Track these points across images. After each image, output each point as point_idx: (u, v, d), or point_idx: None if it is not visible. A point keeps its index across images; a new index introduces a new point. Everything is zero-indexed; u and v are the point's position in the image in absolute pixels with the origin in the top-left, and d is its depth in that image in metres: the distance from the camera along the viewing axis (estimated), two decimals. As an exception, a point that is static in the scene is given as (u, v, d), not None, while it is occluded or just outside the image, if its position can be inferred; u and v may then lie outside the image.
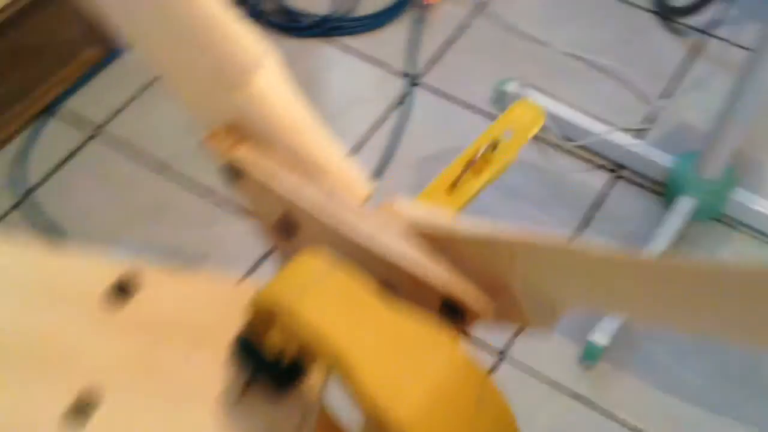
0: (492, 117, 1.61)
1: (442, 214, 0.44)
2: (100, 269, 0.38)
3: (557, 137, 1.55)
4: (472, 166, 0.53)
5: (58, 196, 1.50)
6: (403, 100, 1.63)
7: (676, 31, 1.74)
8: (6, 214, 1.48)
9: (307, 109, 0.44)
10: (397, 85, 1.66)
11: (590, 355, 1.31)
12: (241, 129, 0.44)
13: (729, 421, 1.28)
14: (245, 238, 1.32)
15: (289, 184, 0.41)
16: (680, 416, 1.28)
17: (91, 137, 1.58)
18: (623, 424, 1.28)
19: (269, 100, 0.43)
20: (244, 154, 0.43)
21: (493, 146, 0.55)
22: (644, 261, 0.28)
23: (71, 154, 1.56)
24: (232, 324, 0.36)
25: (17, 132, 1.57)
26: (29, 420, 0.35)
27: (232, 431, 0.34)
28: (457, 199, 0.51)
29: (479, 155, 0.54)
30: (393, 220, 0.39)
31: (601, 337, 1.31)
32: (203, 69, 0.42)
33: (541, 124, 0.56)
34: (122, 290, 0.38)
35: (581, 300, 0.34)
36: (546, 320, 0.37)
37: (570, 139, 1.55)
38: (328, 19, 1.73)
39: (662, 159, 1.49)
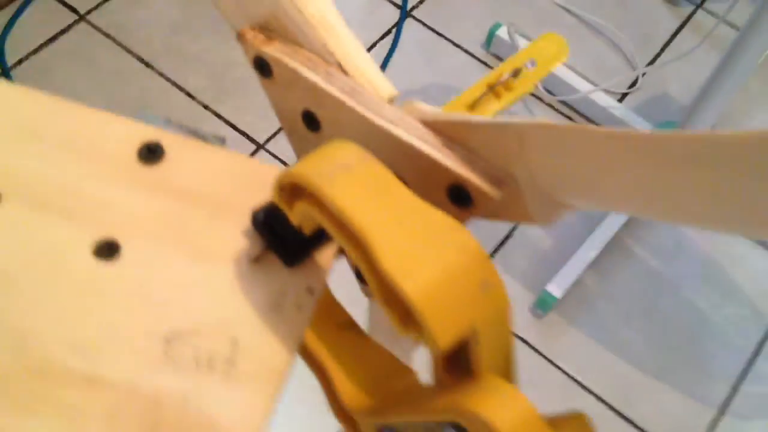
0: (479, 59, 1.61)
1: (458, 114, 0.45)
2: (129, 130, 0.39)
3: (540, 89, 1.56)
4: (492, 89, 0.54)
5: (37, 77, 1.47)
6: (393, 30, 1.62)
7: (672, 0, 1.75)
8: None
9: (335, 12, 0.44)
10: (390, 14, 1.65)
11: (543, 304, 1.34)
12: (272, 27, 0.44)
13: (662, 385, 1.34)
14: (231, 144, 1.31)
15: (317, 75, 0.42)
16: (618, 374, 1.33)
17: (77, 21, 1.54)
18: (564, 372, 1.32)
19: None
20: (275, 48, 0.43)
21: (516, 73, 0.55)
22: (644, 134, 0.29)
23: (55, 36, 1.52)
24: (253, 198, 0.38)
25: (1, 6, 1.53)
26: (59, 253, 0.36)
27: (244, 289, 0.37)
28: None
29: (502, 80, 0.55)
30: (412, 113, 0.40)
31: (555, 288, 1.34)
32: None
33: (564, 58, 0.57)
34: (151, 152, 0.39)
35: (585, 192, 0.35)
36: (546, 216, 0.38)
37: (552, 93, 1.56)
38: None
39: (640, 125, 1.52)
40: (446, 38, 1.63)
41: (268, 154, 1.44)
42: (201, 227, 0.37)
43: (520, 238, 1.43)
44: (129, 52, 1.51)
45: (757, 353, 1.38)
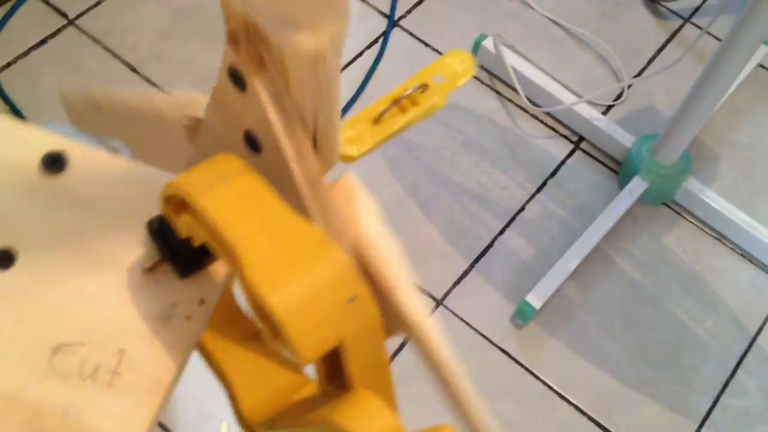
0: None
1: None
2: (34, 138, 0.40)
3: (525, 100, 1.56)
4: (397, 103, 0.55)
5: (24, 80, 1.48)
6: (379, 39, 1.63)
7: (659, 14, 1.75)
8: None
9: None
10: (378, 24, 1.66)
11: (522, 314, 1.35)
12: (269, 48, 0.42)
13: (643, 397, 1.34)
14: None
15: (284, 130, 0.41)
16: (597, 385, 1.33)
17: (66, 25, 1.56)
18: (543, 383, 1.32)
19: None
20: (264, 80, 0.41)
21: (423, 89, 0.56)
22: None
23: (43, 40, 1.54)
24: (151, 207, 0.38)
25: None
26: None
27: (135, 300, 0.37)
28: (380, 132, 0.52)
29: (406, 94, 0.56)
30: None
31: (534, 298, 1.34)
32: None
33: (470, 75, 0.58)
34: (54, 162, 0.40)
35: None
36: None
37: (537, 104, 1.57)
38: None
39: (622, 137, 1.52)
40: (433, 48, 1.64)
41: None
42: (98, 237, 0.38)
43: (501, 248, 1.43)
44: (116, 57, 1.53)
45: (738, 366, 1.38)
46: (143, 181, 0.40)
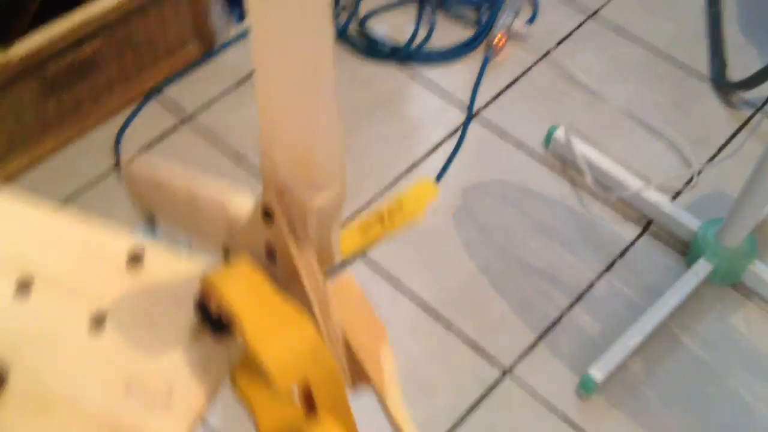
0: (538, 157, 1.74)
1: None
2: (118, 239, 0.64)
3: (596, 187, 1.66)
4: (378, 220, 0.70)
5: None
6: (458, 131, 1.78)
7: (729, 103, 1.83)
8: (107, 175, 1.68)
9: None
10: (456, 116, 1.80)
11: (585, 387, 1.42)
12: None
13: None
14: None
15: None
16: (659, 458, 1.38)
17: (182, 122, 1.77)
18: (604, 454, 1.38)
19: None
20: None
21: (400, 207, 0.70)
22: None
23: (162, 136, 1.75)
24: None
25: (121, 109, 1.78)
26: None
27: (189, 351, 0.60)
28: (367, 240, 0.68)
29: (385, 211, 0.70)
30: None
31: (597, 372, 1.42)
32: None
33: (434, 198, 0.73)
34: (135, 259, 0.64)
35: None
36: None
37: (608, 190, 1.67)
38: (405, 48, 1.90)
39: (689, 221, 1.59)
40: (508, 137, 1.77)
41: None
42: (165, 314, 0.62)
43: (568, 323, 1.51)
44: (222, 152, 1.72)
45: (804, 447, 1.40)
46: (194, 273, 0.62)
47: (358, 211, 1.64)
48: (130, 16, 1.67)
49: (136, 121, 1.77)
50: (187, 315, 0.61)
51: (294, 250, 0.57)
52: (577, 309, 1.54)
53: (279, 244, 0.57)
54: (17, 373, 0.57)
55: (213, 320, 0.58)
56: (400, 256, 1.59)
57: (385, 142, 1.76)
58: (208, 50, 1.87)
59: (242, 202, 0.60)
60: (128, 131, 1.75)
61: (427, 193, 0.71)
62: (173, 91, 1.82)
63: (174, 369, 0.58)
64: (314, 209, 0.55)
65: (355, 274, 1.54)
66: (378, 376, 0.63)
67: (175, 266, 0.64)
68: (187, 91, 1.83)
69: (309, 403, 0.55)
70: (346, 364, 0.63)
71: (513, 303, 1.54)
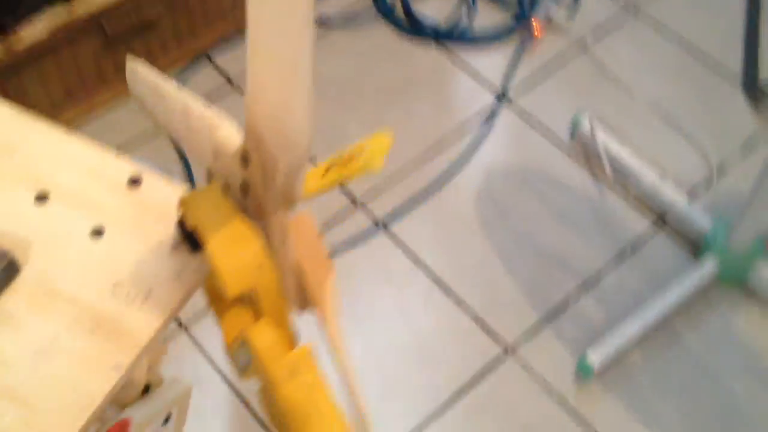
0: (563, 145, 1.79)
1: None
2: (122, 164, 0.81)
3: (615, 178, 1.71)
4: (338, 164, 0.78)
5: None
6: (489, 114, 1.83)
7: (756, 107, 1.85)
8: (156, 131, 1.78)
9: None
10: (488, 100, 1.86)
11: (582, 369, 1.49)
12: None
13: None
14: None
15: None
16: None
17: (228, 83, 1.86)
18: (594, 435, 1.45)
19: None
20: None
21: (359, 154, 0.78)
22: None
23: (208, 96, 1.83)
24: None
25: (172, 68, 1.87)
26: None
27: (168, 261, 0.75)
28: (325, 181, 0.79)
29: (345, 156, 0.78)
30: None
31: (594, 356, 1.48)
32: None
33: (387, 152, 0.79)
34: (135, 182, 0.78)
35: None
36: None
37: (626, 183, 1.71)
38: (445, 29, 1.95)
39: (702, 220, 1.64)
40: (536, 124, 1.82)
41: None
42: (153, 229, 0.76)
43: (574, 309, 1.58)
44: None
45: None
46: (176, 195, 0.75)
47: (382, 182, 1.71)
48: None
49: (186, 80, 1.86)
50: (169, 231, 0.75)
51: (262, 192, 0.68)
52: (584, 297, 1.60)
53: (252, 184, 0.68)
54: (29, 267, 0.73)
55: (189, 236, 0.69)
56: (420, 231, 1.66)
57: (418, 118, 1.83)
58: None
59: (228, 135, 0.70)
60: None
61: (385, 145, 0.79)
62: (221, 56, 1.91)
63: (154, 276, 0.73)
64: (283, 163, 0.65)
65: (377, 244, 1.63)
66: (322, 303, 0.74)
67: (167, 190, 0.78)
68: (234, 57, 1.90)
69: (256, 311, 0.70)
70: (296, 289, 0.75)
71: (523, 285, 1.61)
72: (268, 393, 0.71)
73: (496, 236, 1.67)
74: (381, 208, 1.69)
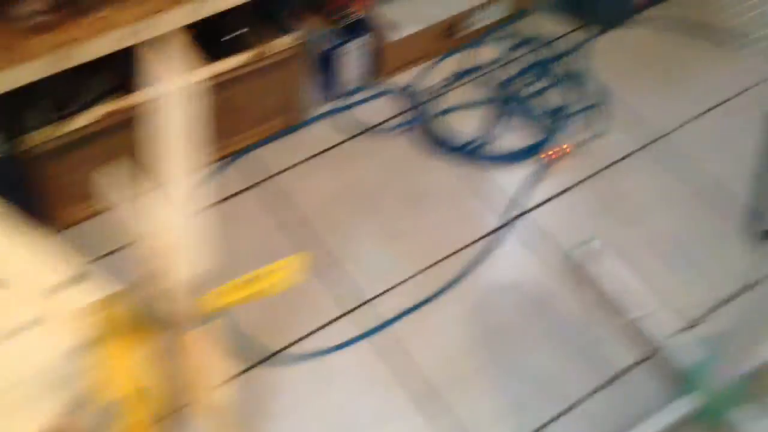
0: (567, 266, 1.84)
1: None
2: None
3: (612, 305, 1.75)
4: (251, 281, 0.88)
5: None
6: (497, 230, 1.91)
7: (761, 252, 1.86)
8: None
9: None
10: (500, 214, 1.94)
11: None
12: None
13: None
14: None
15: None
16: None
17: (261, 182, 2.00)
18: None
19: None
20: None
21: (266, 276, 0.88)
22: None
23: (237, 193, 1.98)
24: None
25: (215, 161, 2.04)
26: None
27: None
28: (234, 298, 0.89)
29: (260, 275, 0.88)
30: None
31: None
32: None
33: (298, 278, 0.88)
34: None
35: None
36: None
37: (621, 309, 1.75)
38: (470, 146, 2.07)
39: (692, 355, 1.65)
40: (545, 243, 1.88)
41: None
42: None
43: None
44: (291, 212, 1.93)
45: None
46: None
47: (387, 290, 1.80)
48: (234, 82, 1.91)
49: (221, 176, 2.02)
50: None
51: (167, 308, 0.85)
52: (563, 420, 1.63)
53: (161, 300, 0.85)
54: None
55: None
56: (407, 338, 1.74)
57: (431, 228, 1.92)
58: (296, 123, 2.10)
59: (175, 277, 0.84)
60: (216, 182, 2.00)
61: (295, 270, 0.88)
62: (260, 153, 2.05)
63: None
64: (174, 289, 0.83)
65: (359, 353, 1.69)
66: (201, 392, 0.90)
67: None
68: (271, 156, 2.05)
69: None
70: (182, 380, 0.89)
71: (503, 403, 1.64)
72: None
73: (479, 352, 1.71)
74: (384, 310, 1.78)
